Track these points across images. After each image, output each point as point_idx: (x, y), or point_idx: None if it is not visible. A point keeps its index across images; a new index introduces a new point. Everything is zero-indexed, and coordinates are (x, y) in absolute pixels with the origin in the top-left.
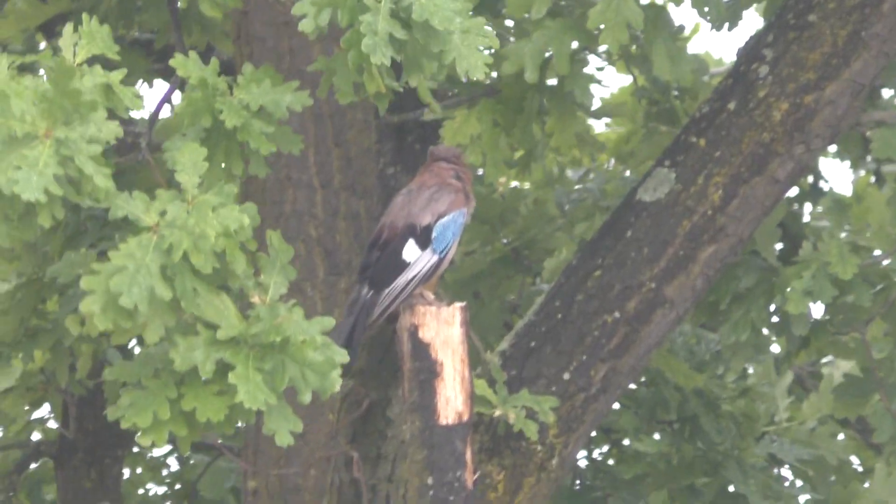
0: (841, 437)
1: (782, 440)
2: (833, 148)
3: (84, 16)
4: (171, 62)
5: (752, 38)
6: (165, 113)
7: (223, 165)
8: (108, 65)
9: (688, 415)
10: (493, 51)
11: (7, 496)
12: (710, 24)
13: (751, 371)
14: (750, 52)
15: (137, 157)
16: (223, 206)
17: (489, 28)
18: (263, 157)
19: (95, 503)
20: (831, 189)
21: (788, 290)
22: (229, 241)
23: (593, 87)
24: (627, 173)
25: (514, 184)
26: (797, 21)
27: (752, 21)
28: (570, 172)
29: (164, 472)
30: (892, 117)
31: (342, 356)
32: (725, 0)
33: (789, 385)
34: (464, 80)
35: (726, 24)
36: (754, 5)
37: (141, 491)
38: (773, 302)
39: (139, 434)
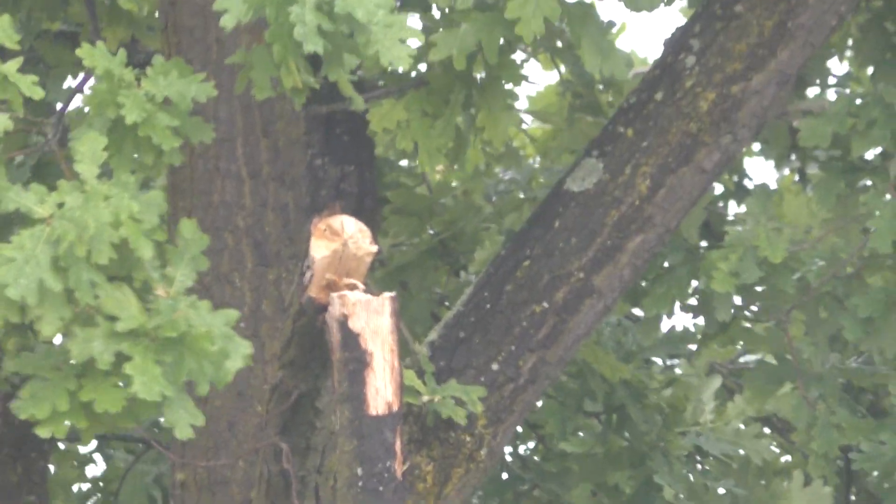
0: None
1: (708, 435)
2: (758, 146)
3: None
4: (78, 52)
5: (678, 28)
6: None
7: (135, 156)
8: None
9: (615, 405)
10: (418, 43)
11: None
12: (631, 10)
13: (675, 363)
14: (677, 43)
15: (44, 149)
16: (116, 195)
17: (414, 22)
18: (177, 147)
19: (21, 498)
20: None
21: (713, 272)
22: (131, 229)
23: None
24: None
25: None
26: (724, 11)
27: (676, 14)
28: (498, 170)
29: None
30: (819, 107)
31: (245, 347)
32: None
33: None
34: (389, 71)
35: (645, 8)
36: None
37: (75, 488)
38: (693, 280)
39: (37, 426)
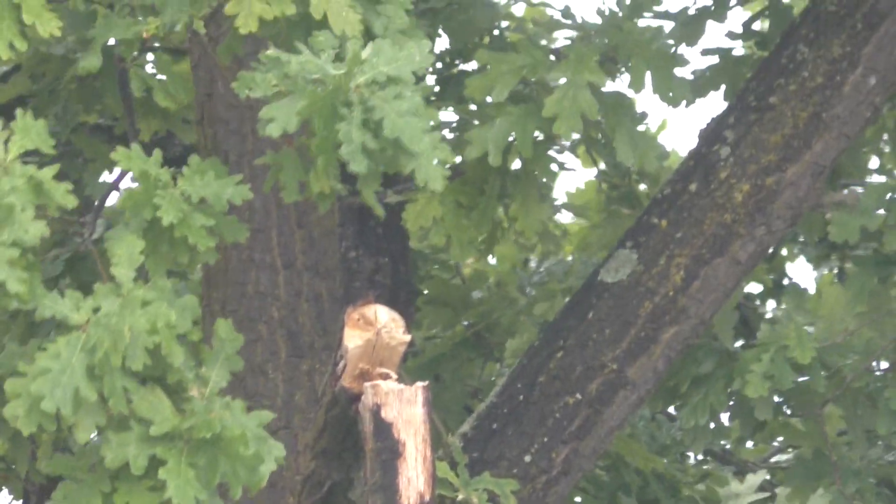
0: None
1: None
2: (798, 248)
3: (18, 111)
4: (113, 155)
5: (713, 119)
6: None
7: (171, 255)
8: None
9: (648, 498)
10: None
11: None
12: (668, 104)
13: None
14: (711, 134)
15: (80, 248)
16: (154, 300)
17: (448, 115)
18: (212, 247)
19: None
20: (792, 281)
21: (748, 373)
22: (165, 334)
23: (559, 179)
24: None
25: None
26: (758, 103)
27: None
28: (533, 262)
29: None
30: (852, 199)
31: (278, 450)
32: (687, 79)
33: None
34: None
35: (683, 103)
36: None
37: None
38: (730, 386)
39: None
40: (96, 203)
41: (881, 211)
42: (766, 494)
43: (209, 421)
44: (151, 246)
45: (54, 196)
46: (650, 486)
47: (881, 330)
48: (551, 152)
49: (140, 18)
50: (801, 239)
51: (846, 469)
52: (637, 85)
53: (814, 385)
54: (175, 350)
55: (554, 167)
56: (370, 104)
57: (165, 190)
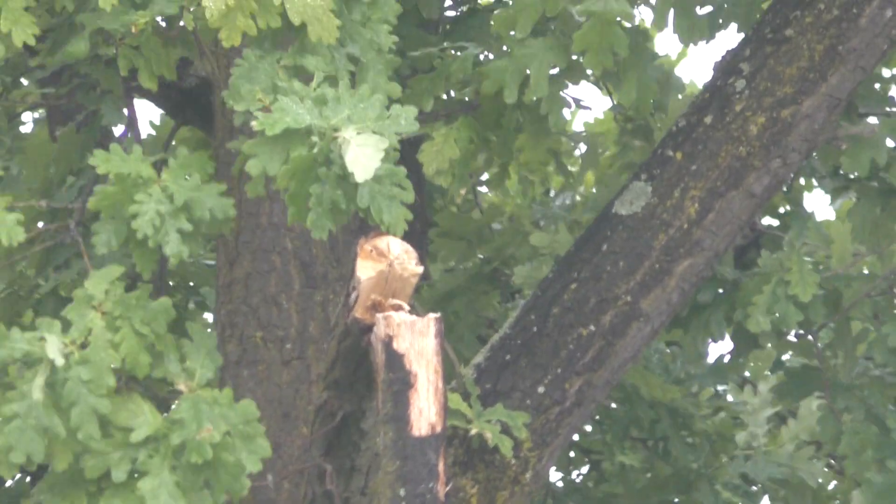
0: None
1: (755, 459)
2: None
3: None
4: (90, 160)
5: (728, 52)
6: None
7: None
8: None
9: (661, 434)
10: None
11: None
12: (686, 42)
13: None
14: (726, 67)
15: (66, 239)
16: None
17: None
18: (229, 218)
19: None
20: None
21: (749, 306)
22: (138, 341)
23: (578, 111)
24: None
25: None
26: (774, 35)
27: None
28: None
29: None
30: (869, 131)
31: (264, 450)
32: (702, 15)
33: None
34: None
35: (703, 40)
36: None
37: None
38: (732, 315)
39: None
40: (80, 197)
41: (891, 143)
42: (779, 407)
43: (197, 443)
44: (132, 244)
45: None
46: (662, 422)
47: (883, 258)
48: (565, 92)
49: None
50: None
51: (836, 385)
52: (661, 23)
53: (813, 317)
54: (142, 359)
55: (569, 102)
56: (347, 160)
57: (146, 191)
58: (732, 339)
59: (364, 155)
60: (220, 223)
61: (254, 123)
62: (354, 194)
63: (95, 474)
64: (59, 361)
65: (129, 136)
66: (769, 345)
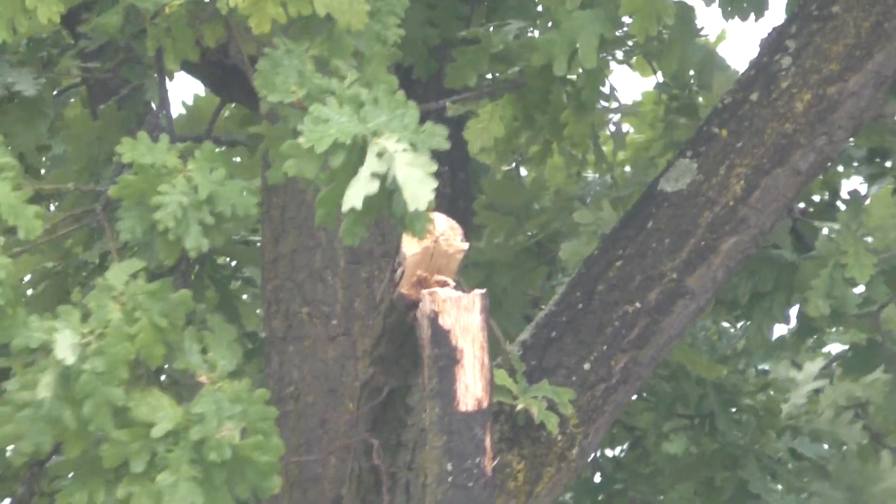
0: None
1: (802, 437)
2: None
3: None
4: (117, 148)
5: (774, 29)
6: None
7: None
8: None
9: (707, 410)
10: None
11: None
12: (727, 17)
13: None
14: (772, 44)
15: (92, 223)
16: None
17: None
18: (251, 205)
19: None
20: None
21: (808, 291)
22: (154, 333)
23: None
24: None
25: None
26: (820, 12)
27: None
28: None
29: None
30: None
31: (279, 449)
32: None
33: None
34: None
35: (752, 16)
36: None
37: None
38: (792, 299)
39: None
40: (106, 185)
41: None
42: (825, 382)
43: (217, 442)
44: (154, 232)
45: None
46: (708, 398)
47: None
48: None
49: None
50: (856, 164)
51: None
52: None
53: (874, 296)
54: (157, 350)
55: (605, 80)
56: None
57: (171, 182)
58: (797, 319)
59: (415, 179)
60: (240, 220)
61: (301, 139)
62: (389, 201)
63: (114, 464)
64: (69, 360)
65: (162, 113)
66: (833, 328)
